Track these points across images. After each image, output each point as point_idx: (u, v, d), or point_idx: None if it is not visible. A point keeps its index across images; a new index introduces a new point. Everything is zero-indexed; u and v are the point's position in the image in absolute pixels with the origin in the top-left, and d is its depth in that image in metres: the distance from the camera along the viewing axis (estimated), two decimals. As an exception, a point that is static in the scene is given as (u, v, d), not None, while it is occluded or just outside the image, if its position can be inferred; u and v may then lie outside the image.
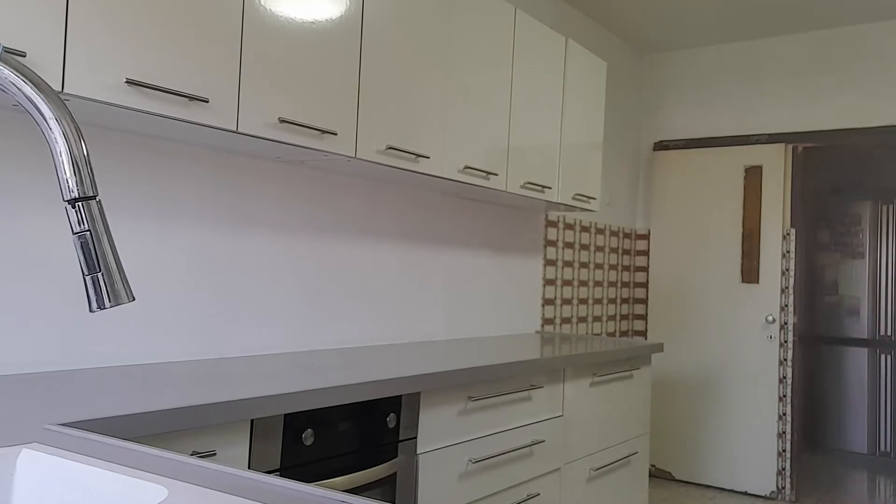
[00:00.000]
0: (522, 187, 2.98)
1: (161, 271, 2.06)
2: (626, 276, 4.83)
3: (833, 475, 5.15)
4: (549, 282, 3.96)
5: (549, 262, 3.96)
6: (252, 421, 1.58)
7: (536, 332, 3.82)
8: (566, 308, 4.14)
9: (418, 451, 2.05)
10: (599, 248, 4.48)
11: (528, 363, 2.46)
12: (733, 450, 4.45)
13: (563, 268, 4.09)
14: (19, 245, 1.75)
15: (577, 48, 3.36)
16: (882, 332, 5.56)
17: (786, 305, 4.39)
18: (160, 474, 0.91)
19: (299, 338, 2.46)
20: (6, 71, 0.73)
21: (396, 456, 1.98)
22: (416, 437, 2.04)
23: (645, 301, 4.90)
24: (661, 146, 4.91)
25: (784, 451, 4.33)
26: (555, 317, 4.03)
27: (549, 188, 3.15)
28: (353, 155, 2.16)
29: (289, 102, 1.95)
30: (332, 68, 2.09)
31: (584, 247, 4.32)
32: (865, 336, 5.61)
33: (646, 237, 4.92)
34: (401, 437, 1.99)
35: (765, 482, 4.36)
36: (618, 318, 4.74)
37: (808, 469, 4.80)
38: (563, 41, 3.25)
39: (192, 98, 1.70)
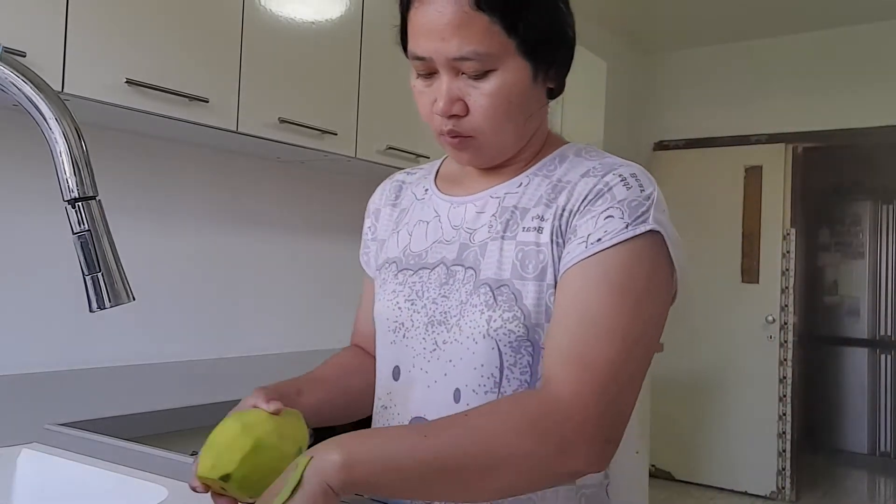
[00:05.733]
0: (522, 187, 2.98)
1: (161, 271, 2.06)
2: (626, 276, 4.82)
3: (833, 475, 5.15)
4: (549, 282, 3.96)
5: (549, 262, 3.95)
6: (252, 421, 1.57)
7: (536, 332, 3.82)
8: (566, 308, 4.13)
9: (418, 451, 2.05)
10: (599, 248, 4.47)
11: (528, 363, 2.46)
12: (733, 450, 4.45)
13: (563, 268, 4.08)
14: (19, 245, 1.75)
15: (578, 48, 3.35)
16: (882, 333, 5.55)
17: (786, 305, 4.39)
18: (160, 474, 0.91)
19: (299, 338, 2.46)
20: (6, 71, 0.73)
21: (396, 456, 1.98)
22: (416, 437, 2.04)
23: (645, 301, 4.89)
24: (661, 146, 4.90)
25: (784, 451, 4.33)
26: (555, 317, 4.02)
27: (549, 188, 3.15)
28: (353, 155, 2.16)
29: (289, 102, 1.95)
30: (332, 68, 2.09)
31: (584, 247, 4.31)
32: (865, 336, 5.61)
33: (646, 237, 4.91)
34: (401, 437, 1.99)
35: (765, 482, 4.36)
36: (618, 318, 4.73)
37: (808, 469, 4.79)
38: (563, 41, 3.24)
39: (192, 98, 1.70)
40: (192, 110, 1.71)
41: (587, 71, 3.45)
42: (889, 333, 5.54)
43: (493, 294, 0.82)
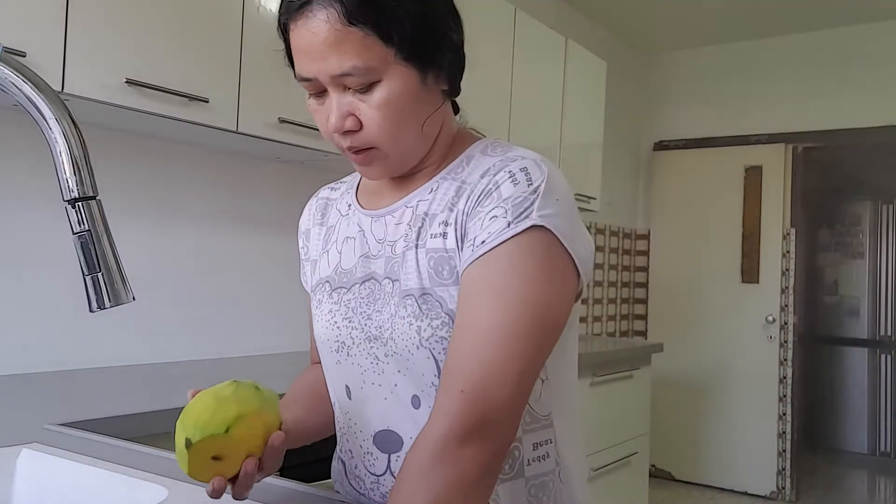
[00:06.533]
0: (522, 187, 2.97)
1: (161, 271, 2.06)
2: (626, 276, 4.83)
3: (833, 475, 5.15)
4: (549, 282, 3.95)
5: (549, 262, 3.94)
6: (252, 421, 1.57)
7: (536, 332, 3.81)
8: (566, 308, 4.13)
9: (418, 451, 2.05)
10: (599, 248, 4.48)
11: (528, 363, 2.46)
12: (733, 450, 4.45)
13: (563, 268, 4.07)
14: (19, 245, 1.75)
15: (577, 48, 3.36)
16: (882, 333, 5.55)
17: (786, 305, 4.39)
18: (160, 474, 0.91)
19: (299, 337, 2.46)
20: (6, 71, 0.73)
21: (396, 456, 1.98)
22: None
23: (645, 301, 4.90)
24: (661, 146, 4.90)
25: (784, 451, 4.33)
26: (555, 317, 4.01)
27: (549, 188, 3.14)
28: (353, 155, 2.16)
29: (289, 102, 1.95)
30: (332, 68, 2.08)
31: (584, 247, 4.31)
32: (865, 336, 5.61)
33: (646, 237, 4.92)
34: (401, 437, 1.99)
35: (765, 482, 4.36)
36: (618, 318, 4.74)
37: (808, 469, 4.80)
38: (563, 41, 3.24)
39: (192, 98, 1.70)
40: (192, 110, 1.71)
41: (587, 71, 3.45)
42: (889, 333, 5.54)
43: (419, 304, 0.82)
